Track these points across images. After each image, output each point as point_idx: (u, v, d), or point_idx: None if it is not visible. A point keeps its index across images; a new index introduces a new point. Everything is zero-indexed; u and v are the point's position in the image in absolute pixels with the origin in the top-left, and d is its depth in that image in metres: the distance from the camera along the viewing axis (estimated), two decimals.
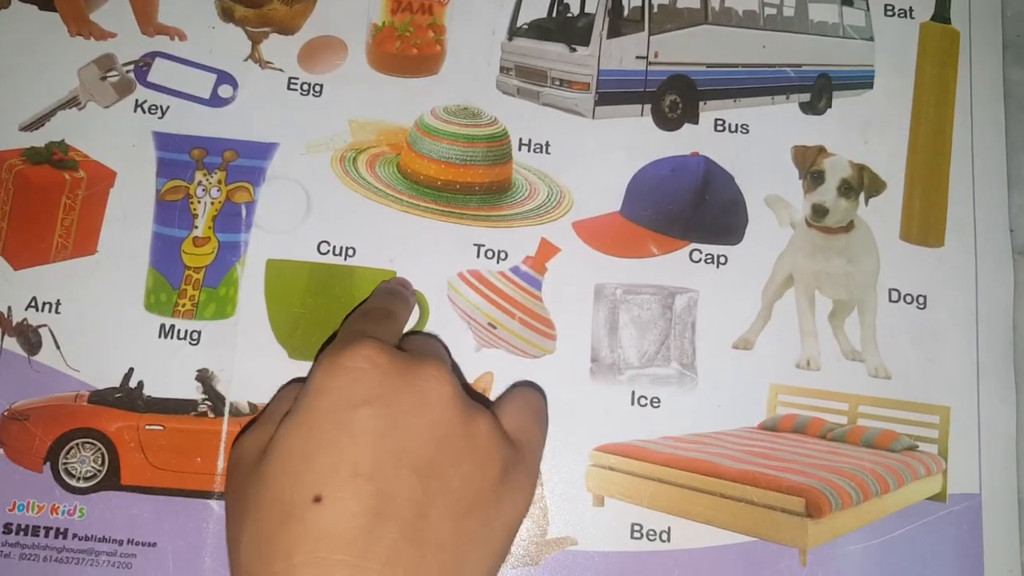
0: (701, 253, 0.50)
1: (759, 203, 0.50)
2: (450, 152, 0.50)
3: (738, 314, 0.49)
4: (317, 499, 0.31)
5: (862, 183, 0.50)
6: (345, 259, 0.49)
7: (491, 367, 0.47)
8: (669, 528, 0.46)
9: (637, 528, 0.46)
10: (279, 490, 0.31)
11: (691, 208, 0.50)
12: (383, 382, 0.34)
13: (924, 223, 0.50)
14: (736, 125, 0.52)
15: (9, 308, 0.48)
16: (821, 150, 0.51)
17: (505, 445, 0.36)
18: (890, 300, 0.49)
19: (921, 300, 0.49)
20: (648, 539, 0.46)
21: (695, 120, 0.52)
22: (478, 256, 0.49)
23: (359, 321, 0.41)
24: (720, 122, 0.52)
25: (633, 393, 0.48)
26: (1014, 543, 0.47)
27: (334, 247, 0.49)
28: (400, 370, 0.34)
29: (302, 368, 0.47)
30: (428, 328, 0.48)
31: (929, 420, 0.48)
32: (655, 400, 0.48)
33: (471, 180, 0.50)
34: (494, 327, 0.48)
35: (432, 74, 0.52)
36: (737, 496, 0.45)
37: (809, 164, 0.50)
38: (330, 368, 0.34)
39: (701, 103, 0.52)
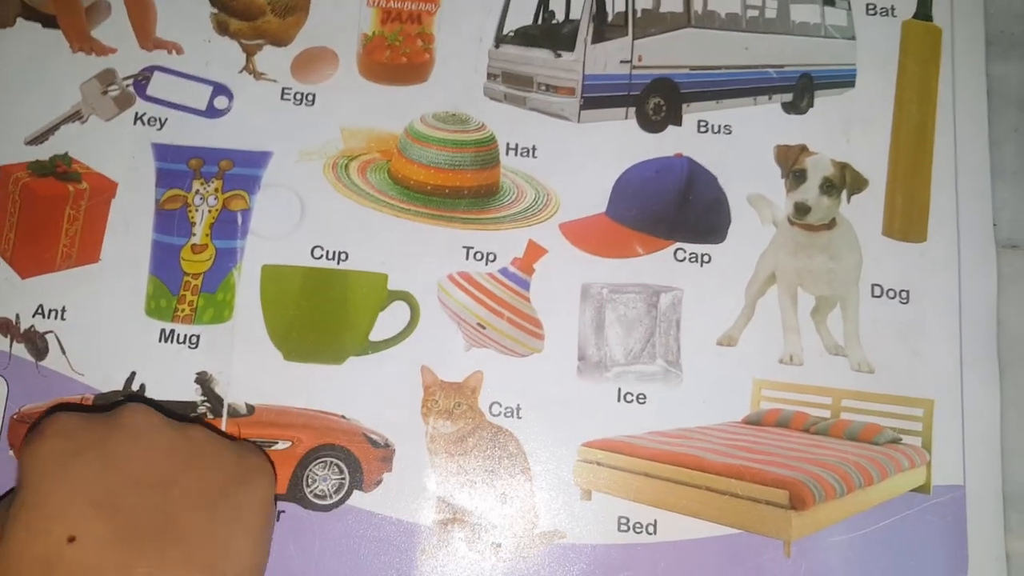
0: (685, 252, 0.51)
1: (742, 202, 0.52)
2: (439, 157, 0.52)
3: (722, 311, 0.50)
4: (71, 539, 0.35)
5: (844, 181, 0.51)
6: (338, 263, 0.50)
7: (480, 366, 0.49)
8: (655, 521, 0.47)
9: (624, 521, 0.47)
10: (30, 551, 0.35)
11: (675, 208, 0.51)
12: (86, 435, 0.38)
13: (906, 219, 0.51)
14: (719, 126, 0.53)
15: (17, 315, 0.50)
16: (803, 149, 0.52)
17: (226, 440, 0.41)
18: (873, 295, 0.50)
19: (904, 295, 0.50)
20: (635, 532, 0.47)
21: (678, 122, 0.53)
22: (467, 258, 0.50)
23: None
24: (703, 123, 0.53)
25: (619, 390, 0.49)
26: (999, 533, 0.47)
27: (327, 251, 0.50)
28: (99, 421, 0.39)
29: (297, 369, 0.49)
30: (418, 329, 0.49)
31: (913, 413, 0.49)
32: (641, 396, 0.49)
33: (460, 184, 0.52)
34: (483, 327, 0.49)
35: (421, 82, 0.54)
36: (722, 489, 0.46)
37: (791, 163, 0.52)
38: (34, 443, 0.38)
39: (684, 105, 0.53)
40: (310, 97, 0.53)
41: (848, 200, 0.51)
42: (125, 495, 0.36)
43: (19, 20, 0.55)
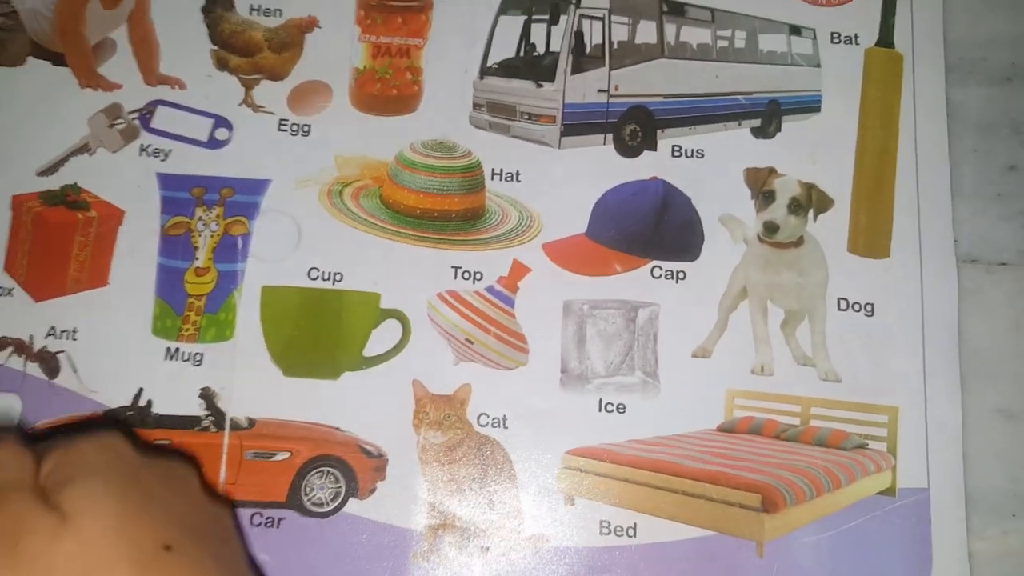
0: (661, 270, 0.53)
1: (714, 222, 0.54)
2: (428, 183, 0.54)
3: (696, 325, 0.52)
4: (167, 547, 0.34)
5: (811, 201, 0.54)
6: (333, 283, 0.53)
7: (469, 379, 0.51)
8: (635, 524, 0.49)
9: (605, 525, 0.49)
10: (117, 551, 0.33)
11: (651, 228, 0.54)
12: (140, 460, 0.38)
13: (870, 236, 0.53)
14: (692, 150, 0.55)
15: (31, 337, 0.52)
16: (771, 171, 0.54)
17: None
18: (839, 309, 0.53)
19: (869, 308, 0.52)
20: (616, 535, 0.49)
21: (654, 147, 0.56)
22: (455, 277, 0.53)
23: None
24: (677, 148, 0.55)
25: (600, 400, 0.51)
26: (961, 534, 0.50)
27: (323, 273, 0.53)
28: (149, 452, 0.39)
29: (295, 384, 0.51)
30: (410, 345, 0.52)
31: (878, 420, 0.51)
32: (621, 407, 0.51)
33: (448, 208, 0.54)
34: (471, 342, 0.51)
35: (410, 112, 0.56)
36: (698, 493, 0.48)
37: (760, 185, 0.54)
38: (100, 442, 0.37)
39: (659, 131, 0.56)
40: (306, 128, 0.56)
41: (815, 219, 0.54)
42: (196, 526, 0.37)
43: (29, 59, 0.57)
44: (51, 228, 0.53)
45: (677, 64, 0.57)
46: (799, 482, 0.48)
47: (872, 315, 0.52)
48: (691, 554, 0.49)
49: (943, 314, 0.52)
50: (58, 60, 0.57)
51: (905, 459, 0.50)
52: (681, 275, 0.53)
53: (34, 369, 0.52)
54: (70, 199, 0.54)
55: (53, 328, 0.52)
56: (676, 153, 0.55)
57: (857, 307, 0.52)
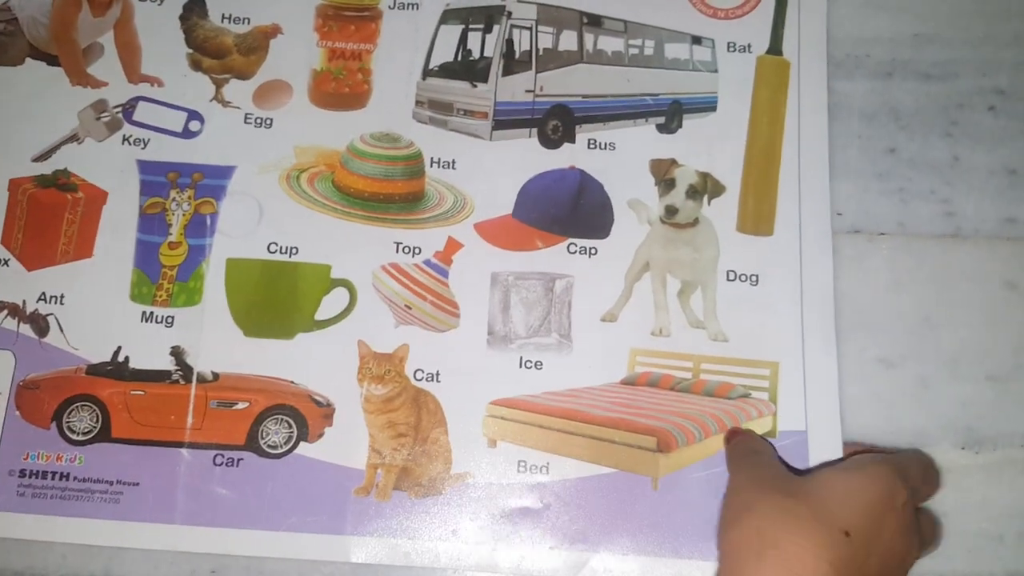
0: (576, 246, 0.58)
1: (623, 205, 0.59)
2: (375, 170, 0.59)
3: (605, 294, 0.57)
4: (847, 533, 0.43)
5: (706, 187, 0.59)
6: (290, 256, 0.58)
7: (407, 340, 0.56)
8: (548, 464, 0.54)
9: (522, 464, 0.54)
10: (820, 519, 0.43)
11: (569, 210, 0.59)
12: None
13: (756, 218, 0.58)
14: (605, 143, 0.60)
15: (23, 301, 0.57)
16: (673, 162, 0.59)
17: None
18: (728, 279, 0.57)
19: (754, 278, 0.57)
20: (531, 472, 0.54)
21: (572, 140, 0.60)
22: (397, 252, 0.58)
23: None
24: (592, 142, 0.60)
25: (521, 358, 0.56)
26: None
27: (281, 247, 0.58)
28: None
29: (255, 343, 0.56)
30: (356, 310, 0.57)
31: (761, 373, 0.55)
32: (539, 363, 0.56)
33: (392, 192, 0.59)
34: (410, 308, 0.57)
35: (361, 108, 0.61)
36: (603, 437, 0.53)
37: (663, 173, 0.59)
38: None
39: (577, 127, 0.61)
40: (268, 121, 0.60)
41: (709, 203, 0.59)
42: None
43: (27, 60, 0.62)
44: (43, 207, 0.58)
45: (594, 69, 0.62)
46: (689, 427, 0.53)
47: (757, 284, 0.57)
48: (595, 488, 0.53)
49: (819, 282, 0.56)
50: (52, 61, 0.62)
51: (785, 406, 0.54)
52: (593, 251, 0.58)
53: (26, 329, 0.57)
54: (61, 182, 0.59)
55: (43, 294, 0.57)
56: (591, 146, 0.60)
57: (744, 278, 0.57)
